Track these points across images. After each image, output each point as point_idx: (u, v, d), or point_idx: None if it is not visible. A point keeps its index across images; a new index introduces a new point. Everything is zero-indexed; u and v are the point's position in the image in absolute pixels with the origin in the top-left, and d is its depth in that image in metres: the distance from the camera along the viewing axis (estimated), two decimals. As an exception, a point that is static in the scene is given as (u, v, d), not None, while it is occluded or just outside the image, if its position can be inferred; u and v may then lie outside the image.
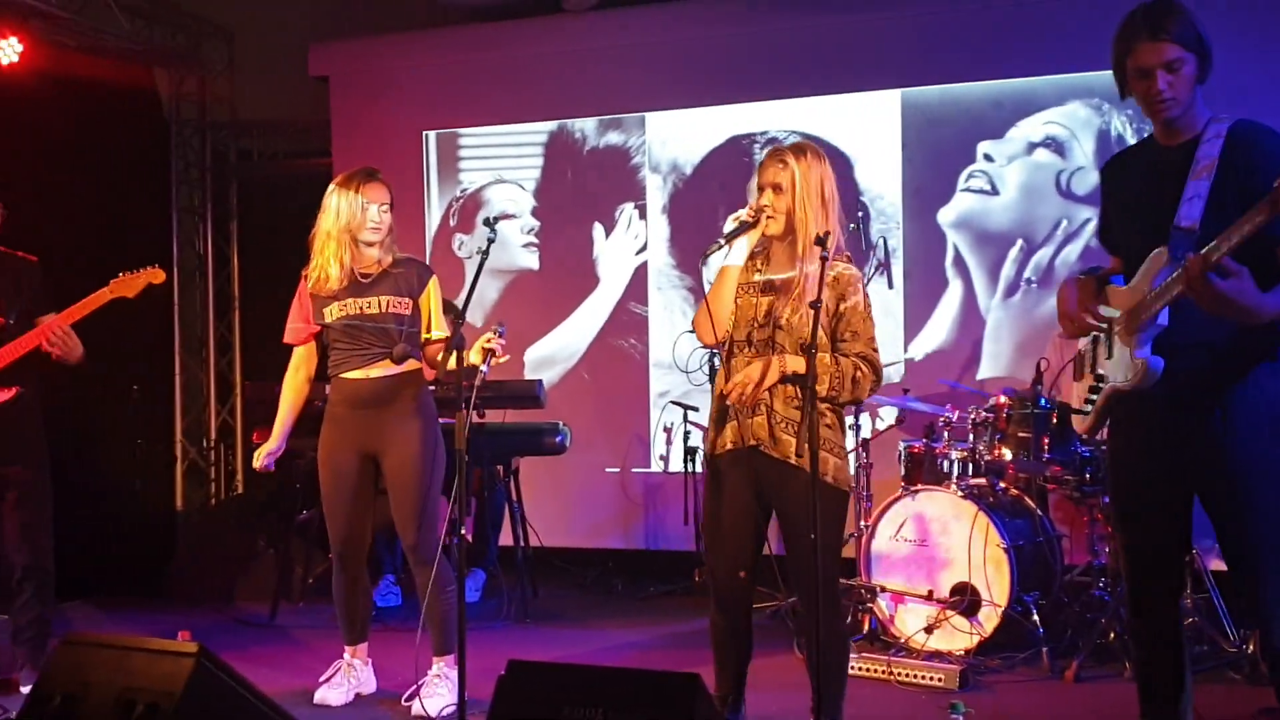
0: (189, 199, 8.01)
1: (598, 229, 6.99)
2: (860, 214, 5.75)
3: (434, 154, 7.28)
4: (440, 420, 4.25)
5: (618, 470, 6.88)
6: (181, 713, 2.66)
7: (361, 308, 4.12)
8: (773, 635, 4.70)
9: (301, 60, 7.46)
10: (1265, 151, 2.84)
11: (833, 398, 3.32)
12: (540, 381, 6.00)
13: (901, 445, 5.24)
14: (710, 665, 3.53)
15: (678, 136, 6.82)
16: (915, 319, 6.38)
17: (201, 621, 5.67)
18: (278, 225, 7.55)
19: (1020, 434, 4.95)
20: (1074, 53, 5.86)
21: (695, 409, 6.23)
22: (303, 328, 4.25)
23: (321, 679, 4.33)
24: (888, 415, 6.09)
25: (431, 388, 4.30)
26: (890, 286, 5.96)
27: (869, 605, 4.93)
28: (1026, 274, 6.19)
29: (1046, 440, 4.85)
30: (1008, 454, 4.98)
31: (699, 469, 5.89)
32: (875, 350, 3.38)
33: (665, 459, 6.75)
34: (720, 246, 3.39)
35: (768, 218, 3.38)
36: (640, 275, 6.88)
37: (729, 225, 3.41)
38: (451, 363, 3.61)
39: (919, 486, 4.94)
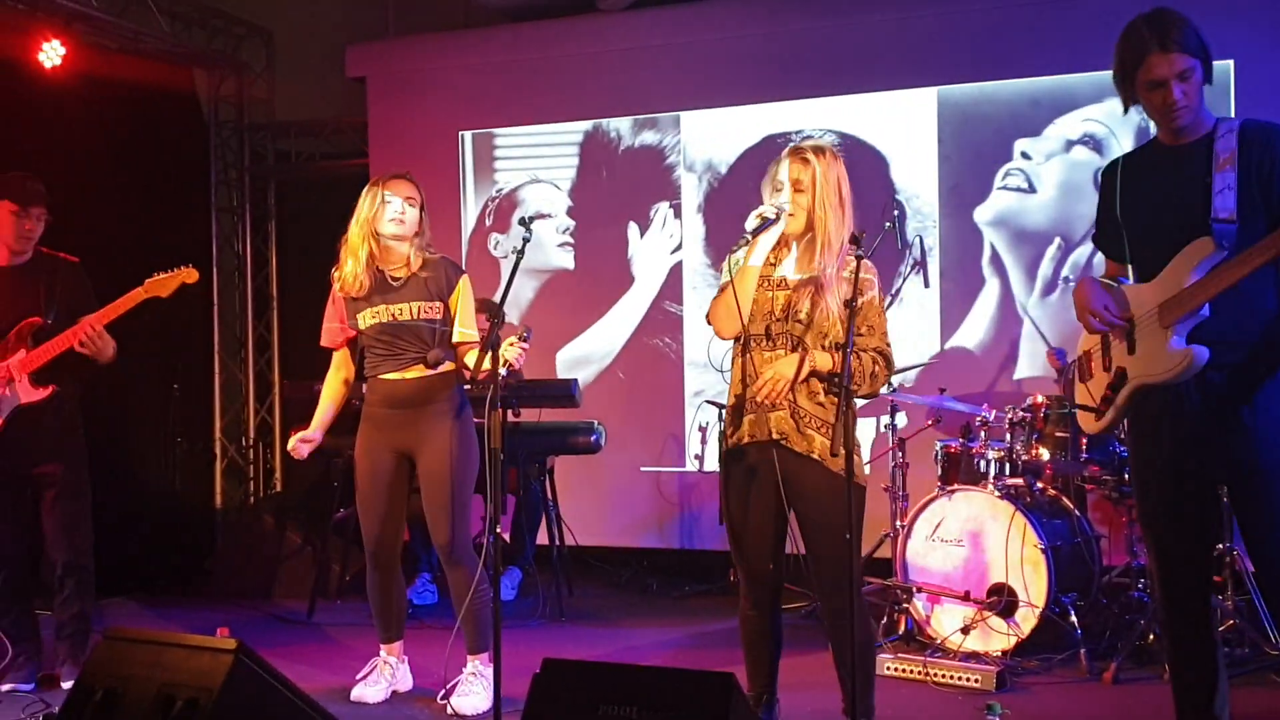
0: (228, 200, 8.09)
1: (633, 228, 6.99)
2: (896, 212, 5.71)
3: (470, 154, 7.31)
4: (475, 420, 4.27)
5: (653, 469, 6.88)
6: (220, 708, 2.69)
7: (393, 314, 4.15)
8: (806, 635, 4.68)
9: (339, 61, 7.51)
10: None
11: (852, 392, 3.33)
12: (575, 381, 6.01)
13: (938, 445, 5.21)
14: (743, 665, 3.54)
15: (713, 135, 6.81)
16: (951, 318, 6.33)
17: (240, 618, 5.73)
18: (315, 226, 7.57)
19: (1058, 434, 4.92)
20: (1113, 50, 5.79)
21: (730, 408, 6.21)
22: (338, 329, 4.28)
23: (358, 676, 4.36)
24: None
25: (466, 387, 4.32)
26: (926, 285, 5.93)
27: (905, 605, 4.90)
28: (1064, 272, 6.13)
29: (1085, 440, 4.82)
30: (1045, 454, 4.95)
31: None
32: (889, 344, 3.46)
33: (700, 458, 6.74)
34: (747, 242, 3.39)
35: (789, 215, 3.42)
36: (675, 274, 6.88)
37: (753, 222, 3.42)
38: (486, 362, 3.61)
39: (955, 486, 4.91)
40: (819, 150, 3.47)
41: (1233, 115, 5.70)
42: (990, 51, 6.26)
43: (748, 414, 3.44)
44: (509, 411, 5.56)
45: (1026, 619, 4.61)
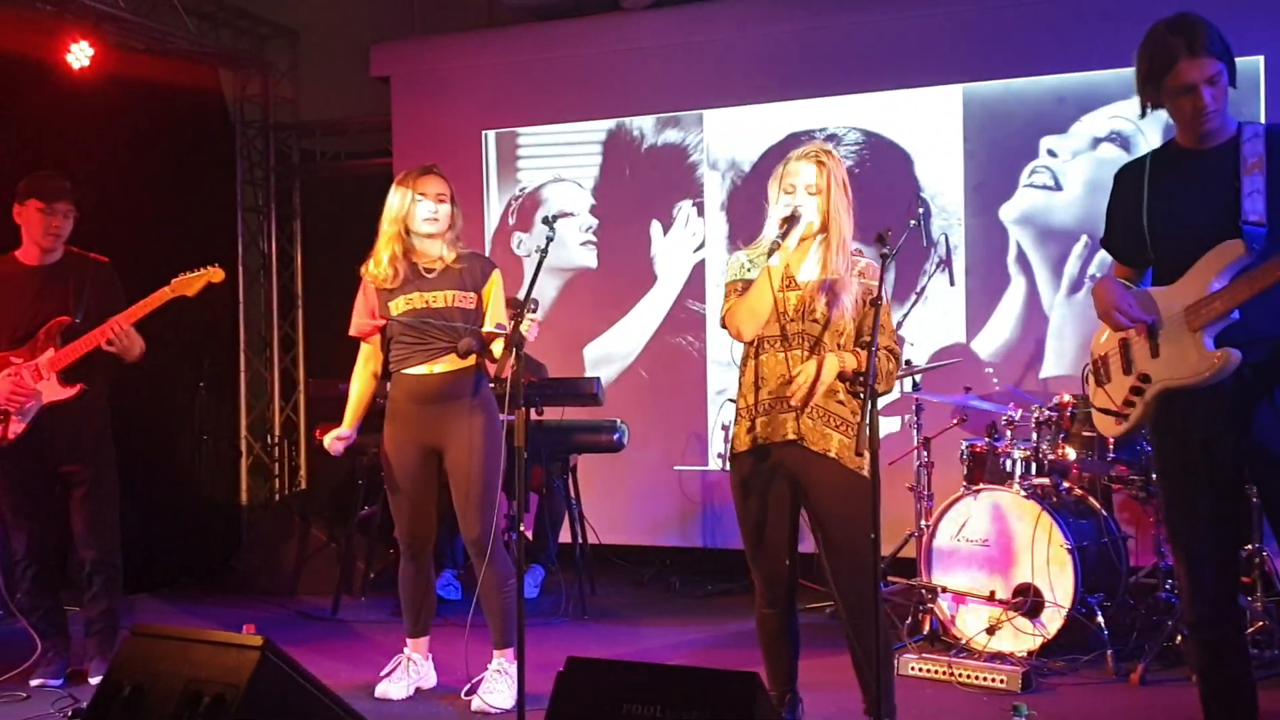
0: (253, 199, 8.13)
1: (655, 227, 6.99)
2: (921, 210, 5.70)
3: (493, 153, 7.33)
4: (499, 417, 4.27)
5: (676, 468, 6.88)
6: (247, 704, 2.71)
7: (427, 301, 4.16)
8: (827, 635, 4.67)
9: (364, 61, 7.54)
10: None
11: (877, 391, 3.34)
12: (598, 379, 6.00)
13: (963, 444, 5.18)
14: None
15: (736, 133, 6.81)
16: (977, 316, 6.30)
17: (265, 615, 5.77)
18: (340, 225, 7.64)
19: (1084, 433, 4.88)
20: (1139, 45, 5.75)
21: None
22: (368, 322, 4.28)
23: (382, 673, 4.38)
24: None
25: (490, 385, 4.33)
26: (951, 284, 5.91)
27: (930, 605, 4.89)
28: (1091, 270, 6.09)
29: (1112, 440, 4.77)
30: (1072, 453, 4.92)
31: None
32: (896, 342, 3.54)
33: (723, 457, 6.71)
34: (779, 246, 3.39)
35: (809, 221, 3.45)
36: (698, 273, 6.87)
37: (774, 227, 3.43)
38: (504, 360, 3.62)
39: (981, 486, 4.88)
40: (827, 152, 3.52)
41: (1263, 110, 5.67)
42: (1016, 48, 6.23)
43: (761, 415, 3.45)
44: (531, 410, 5.57)
45: (1052, 619, 4.59)
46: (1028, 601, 4.62)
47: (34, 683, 4.46)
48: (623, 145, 7.07)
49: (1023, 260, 6.25)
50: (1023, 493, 4.74)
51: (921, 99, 6.41)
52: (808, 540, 3.53)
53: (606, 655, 4.08)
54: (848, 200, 3.48)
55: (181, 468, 7.44)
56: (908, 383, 5.46)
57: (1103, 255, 6.03)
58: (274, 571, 6.41)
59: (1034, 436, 4.98)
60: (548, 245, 3.70)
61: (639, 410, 6.65)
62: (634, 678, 2.76)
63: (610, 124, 7.09)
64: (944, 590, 4.83)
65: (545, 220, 3.76)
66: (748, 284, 3.47)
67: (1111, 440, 4.77)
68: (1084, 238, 6.11)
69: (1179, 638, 4.45)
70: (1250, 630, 4.34)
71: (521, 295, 3.72)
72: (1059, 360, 6.14)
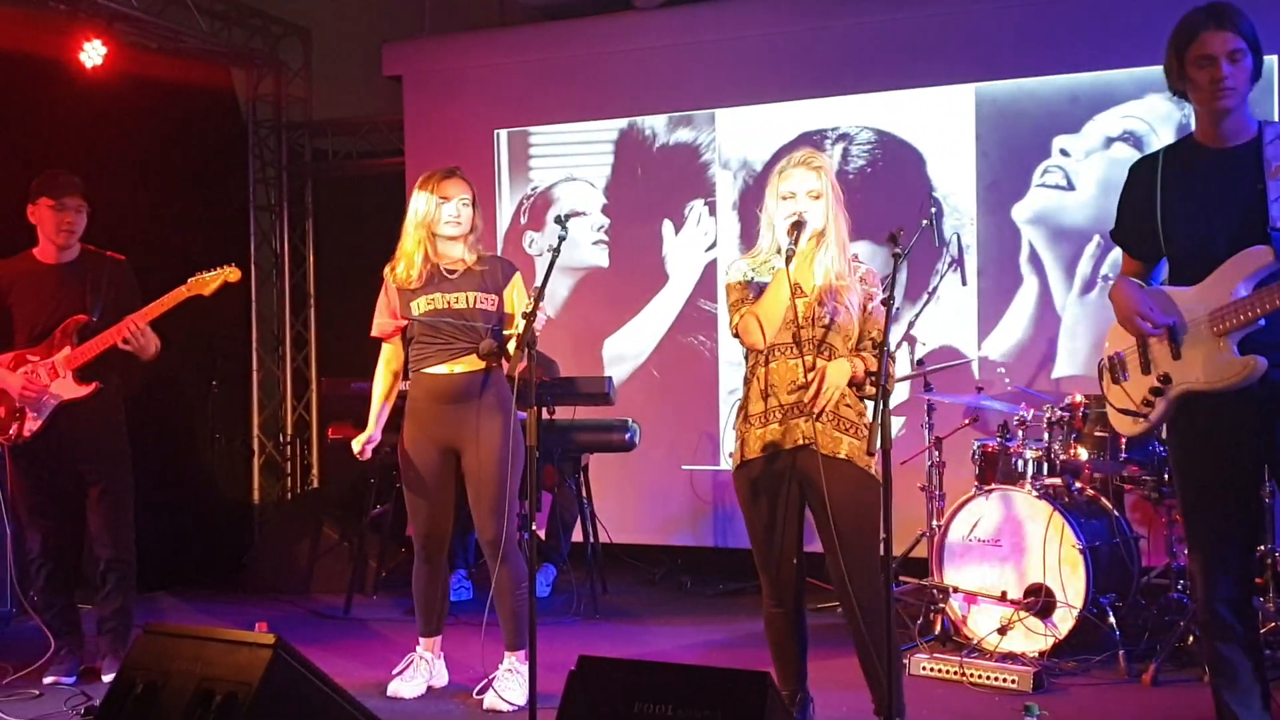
0: (266, 198, 8.16)
1: (667, 226, 6.99)
2: (933, 210, 5.69)
3: (505, 152, 7.33)
4: (512, 415, 4.28)
5: (687, 467, 6.88)
6: (259, 703, 2.72)
7: (449, 302, 4.17)
8: (836, 635, 4.66)
9: (375, 60, 7.55)
10: None
11: (888, 391, 3.35)
12: (610, 378, 6.01)
13: (975, 444, 5.18)
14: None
15: (748, 133, 6.80)
16: (989, 316, 6.29)
17: (277, 613, 5.78)
18: (352, 223, 7.67)
19: (1096, 433, 4.88)
20: (1152, 45, 5.55)
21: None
22: (389, 322, 4.29)
23: (394, 672, 4.39)
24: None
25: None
26: (964, 284, 5.89)
27: (941, 605, 4.88)
28: (1103, 270, 6.07)
29: (1124, 440, 4.77)
30: (1084, 453, 4.91)
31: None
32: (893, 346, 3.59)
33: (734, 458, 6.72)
34: (794, 253, 3.39)
35: (815, 225, 3.46)
36: (710, 272, 6.87)
37: (784, 235, 3.43)
38: (520, 356, 3.63)
39: (993, 486, 4.88)
40: (818, 158, 3.54)
41: (1275, 108, 5.64)
42: (1029, 47, 6.21)
43: (774, 422, 3.46)
44: (544, 409, 5.58)
45: (1064, 620, 4.58)
46: (1039, 602, 4.61)
47: (47, 681, 4.48)
48: (635, 144, 7.07)
49: (1035, 260, 6.23)
50: (1034, 493, 4.73)
51: (934, 98, 6.40)
52: (815, 540, 3.53)
53: (618, 654, 4.07)
54: (840, 204, 3.52)
55: (194, 466, 7.46)
56: (919, 383, 5.45)
57: (1115, 255, 6.02)
58: (286, 570, 6.43)
59: (1046, 436, 4.97)
60: (560, 244, 3.71)
61: (650, 410, 6.65)
62: (645, 677, 2.76)
63: (622, 123, 7.09)
64: (955, 590, 4.82)
65: (558, 219, 3.78)
66: (761, 288, 3.47)
67: (1123, 440, 4.77)
68: (1097, 237, 6.08)
69: (1191, 638, 4.44)
70: (1263, 631, 4.33)
71: (532, 293, 3.73)
72: (1071, 360, 6.12)
